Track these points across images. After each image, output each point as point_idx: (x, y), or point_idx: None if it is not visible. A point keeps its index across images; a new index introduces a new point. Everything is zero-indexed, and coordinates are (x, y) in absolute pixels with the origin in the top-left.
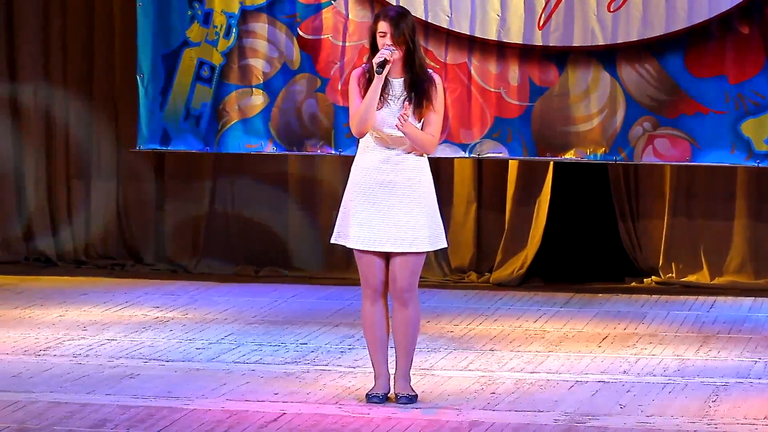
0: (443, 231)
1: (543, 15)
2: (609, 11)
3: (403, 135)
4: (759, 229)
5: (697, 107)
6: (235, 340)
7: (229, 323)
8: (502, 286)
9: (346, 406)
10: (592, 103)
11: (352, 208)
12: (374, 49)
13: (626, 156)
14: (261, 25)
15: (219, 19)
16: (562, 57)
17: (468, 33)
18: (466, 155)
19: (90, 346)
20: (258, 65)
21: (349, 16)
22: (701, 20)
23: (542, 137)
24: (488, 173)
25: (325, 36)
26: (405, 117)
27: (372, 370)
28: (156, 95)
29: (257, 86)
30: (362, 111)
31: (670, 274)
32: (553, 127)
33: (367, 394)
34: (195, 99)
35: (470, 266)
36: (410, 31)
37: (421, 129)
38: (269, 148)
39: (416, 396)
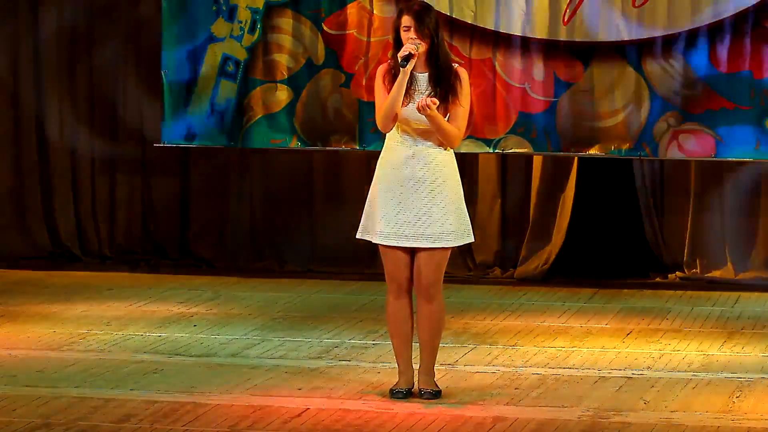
0: (470, 226)
1: (568, 10)
2: (634, 6)
3: (429, 129)
4: None
5: (722, 103)
6: (259, 336)
7: (253, 318)
8: (526, 281)
9: (370, 402)
10: (617, 99)
11: (378, 203)
12: (398, 43)
13: (651, 151)
14: (286, 21)
15: (244, 15)
16: (586, 52)
17: (493, 28)
18: (491, 151)
19: (114, 341)
20: (282, 60)
21: (374, 12)
22: (726, 15)
23: (567, 133)
24: (513, 169)
25: (350, 31)
26: (434, 102)
27: (396, 365)
28: (181, 90)
29: (282, 81)
30: (387, 106)
31: (694, 270)
32: (578, 122)
33: (390, 390)
34: (219, 94)
35: (494, 262)
36: (434, 26)
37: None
38: (294, 144)
39: (440, 391)
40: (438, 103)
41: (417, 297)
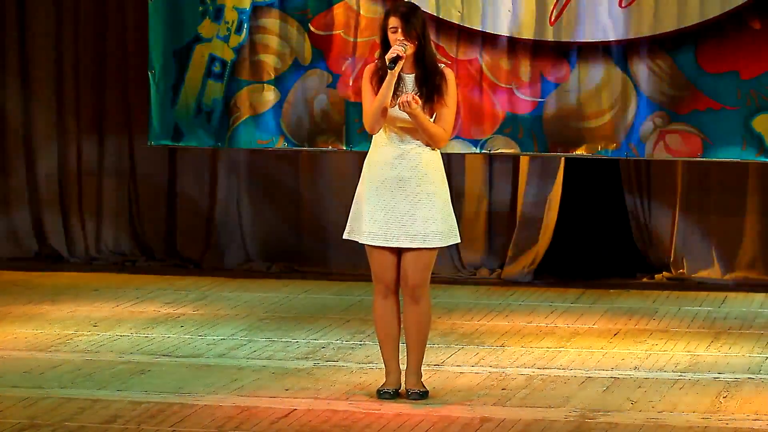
0: (456, 226)
1: (554, 10)
2: (620, 7)
3: (416, 129)
4: None
5: (708, 103)
6: (246, 336)
7: (240, 319)
8: (513, 281)
9: (357, 402)
10: (604, 99)
11: (365, 204)
12: (385, 44)
13: (637, 152)
14: (272, 21)
15: (230, 15)
16: (573, 53)
17: (479, 29)
18: (478, 151)
19: (101, 342)
20: (269, 61)
21: (361, 12)
22: (713, 15)
23: (553, 133)
24: (499, 169)
25: (337, 32)
26: (416, 100)
27: (383, 366)
28: (167, 91)
29: (268, 82)
30: (375, 108)
31: (681, 270)
32: (565, 122)
33: (377, 390)
34: (206, 95)
35: (481, 262)
36: (421, 27)
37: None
38: (280, 144)
39: (427, 392)
40: (420, 102)
41: (404, 298)
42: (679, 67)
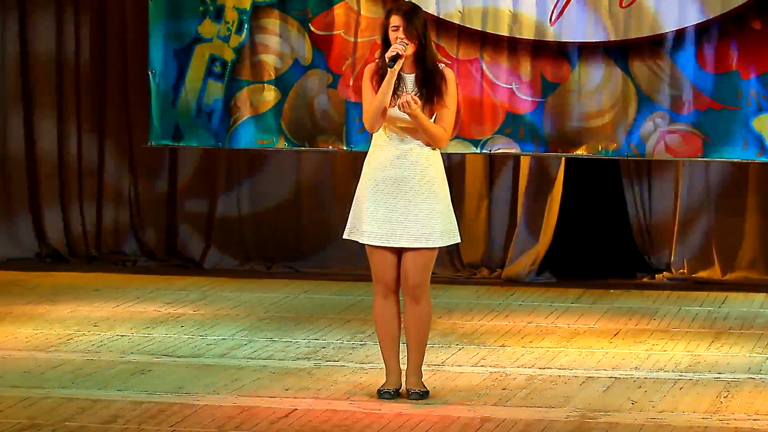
0: (456, 226)
1: (555, 10)
2: (621, 7)
3: (416, 129)
4: None
5: (709, 103)
6: (246, 336)
7: (240, 319)
8: (513, 281)
9: (358, 402)
10: (604, 99)
11: (365, 204)
12: (386, 44)
13: (638, 152)
14: (273, 21)
15: (231, 15)
16: (573, 53)
17: (480, 29)
18: (478, 151)
19: (101, 341)
20: (270, 61)
21: (361, 12)
22: (714, 16)
23: (554, 133)
24: (500, 169)
25: (337, 32)
26: (415, 101)
27: (383, 365)
28: (168, 91)
29: (269, 82)
30: (375, 106)
31: (681, 270)
32: (565, 122)
33: (378, 390)
34: (207, 95)
35: (482, 262)
36: (422, 26)
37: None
38: (281, 144)
39: (427, 392)
40: (419, 103)
41: (404, 297)
42: (680, 67)
